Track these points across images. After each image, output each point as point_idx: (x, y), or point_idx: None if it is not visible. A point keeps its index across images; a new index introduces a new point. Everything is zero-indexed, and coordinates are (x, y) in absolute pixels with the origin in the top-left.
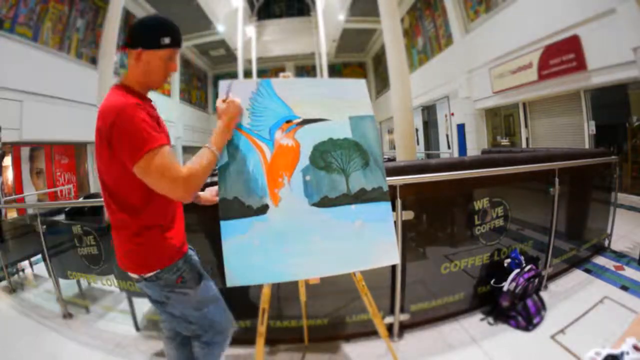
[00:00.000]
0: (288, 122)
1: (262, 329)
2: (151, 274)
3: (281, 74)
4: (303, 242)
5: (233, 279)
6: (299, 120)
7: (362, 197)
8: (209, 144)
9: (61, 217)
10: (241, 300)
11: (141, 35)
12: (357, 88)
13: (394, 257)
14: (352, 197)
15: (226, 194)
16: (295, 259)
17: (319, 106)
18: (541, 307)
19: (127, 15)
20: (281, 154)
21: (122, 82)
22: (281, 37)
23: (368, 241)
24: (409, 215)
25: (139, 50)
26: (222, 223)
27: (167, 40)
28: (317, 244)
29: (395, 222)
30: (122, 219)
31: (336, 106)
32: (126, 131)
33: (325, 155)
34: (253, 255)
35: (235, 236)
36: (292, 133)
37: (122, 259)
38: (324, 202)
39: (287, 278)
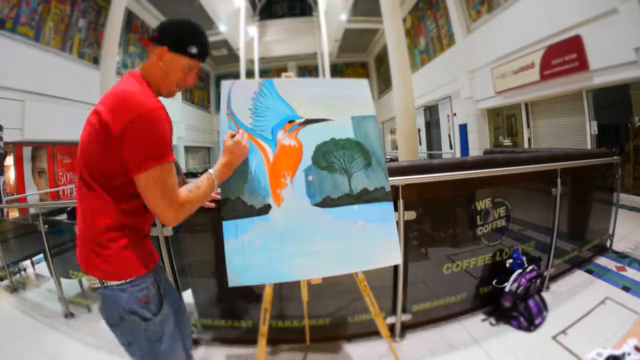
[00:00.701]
0: (290, 122)
1: (264, 329)
2: (118, 282)
3: (283, 74)
4: (305, 242)
5: (235, 279)
6: (301, 121)
7: (364, 197)
8: (213, 171)
9: (63, 217)
10: (243, 300)
11: (171, 35)
12: (359, 88)
13: (396, 257)
14: (354, 198)
15: (228, 194)
16: (297, 259)
17: (321, 106)
18: (543, 307)
19: (129, 15)
20: (283, 154)
21: (143, 75)
22: (283, 37)
23: (370, 241)
24: (411, 215)
25: (164, 48)
26: (224, 223)
27: (193, 50)
28: (319, 244)
29: (397, 222)
30: (101, 211)
31: (338, 106)
32: (146, 137)
33: (327, 156)
34: (255, 255)
35: (238, 236)
36: (295, 133)
37: (87, 258)
38: (326, 202)
39: (289, 278)
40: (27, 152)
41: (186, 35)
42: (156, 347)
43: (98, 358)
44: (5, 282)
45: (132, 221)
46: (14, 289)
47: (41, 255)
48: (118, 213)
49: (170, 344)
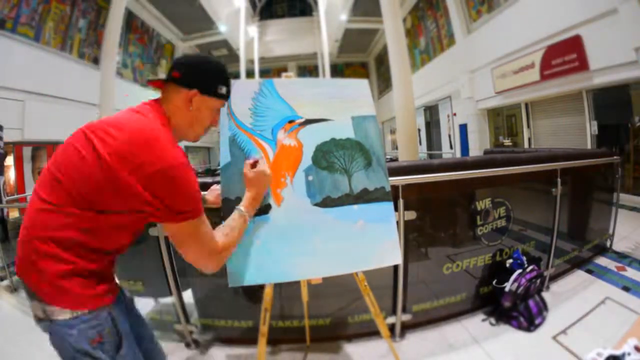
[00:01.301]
0: (290, 122)
1: (264, 329)
2: (67, 315)
3: (283, 74)
4: (305, 242)
5: (235, 279)
6: (301, 121)
7: (364, 197)
8: (243, 208)
9: None
10: (243, 300)
11: (200, 76)
12: (359, 88)
13: (396, 257)
14: (354, 197)
15: (229, 194)
16: (297, 259)
17: (321, 106)
18: (543, 307)
19: (129, 15)
20: (284, 154)
21: (170, 118)
22: (283, 37)
23: (370, 241)
24: (411, 215)
25: (194, 92)
26: None
27: (223, 90)
28: (320, 244)
29: (397, 222)
30: (61, 224)
31: (338, 106)
32: (181, 191)
33: (327, 155)
34: (255, 255)
35: None
36: (295, 133)
37: (35, 277)
38: (327, 202)
39: (290, 278)
40: (27, 152)
41: (216, 75)
42: None
43: None
44: (6, 282)
45: (92, 257)
46: (14, 288)
47: None
48: (80, 234)
49: None
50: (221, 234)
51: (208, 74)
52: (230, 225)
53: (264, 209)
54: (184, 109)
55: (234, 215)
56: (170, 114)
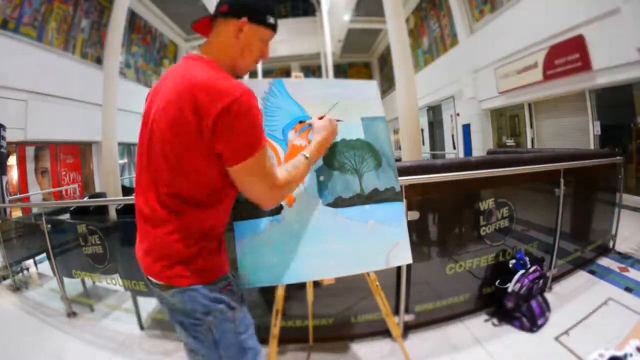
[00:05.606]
0: (301, 122)
1: (275, 330)
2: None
3: (293, 74)
4: (317, 242)
5: (246, 281)
6: (311, 121)
7: (375, 197)
8: (307, 153)
9: (66, 216)
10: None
11: (248, 5)
12: (368, 89)
13: (407, 257)
14: (365, 198)
15: (239, 194)
16: (309, 260)
17: (332, 107)
18: (545, 308)
19: (132, 15)
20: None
21: (213, 58)
22: (286, 37)
23: (382, 241)
24: (414, 215)
25: (244, 20)
26: (235, 223)
27: (272, 20)
28: (332, 244)
29: None
30: (186, 217)
31: (348, 107)
32: (243, 124)
33: (338, 156)
34: (267, 256)
35: (249, 237)
36: (305, 133)
37: (160, 263)
38: (338, 203)
39: (302, 279)
40: (30, 151)
41: (263, 4)
42: (243, 339)
43: (100, 357)
44: (8, 281)
45: (215, 221)
46: (16, 288)
47: (44, 255)
48: (205, 216)
49: (252, 333)
50: (285, 170)
51: (257, 3)
52: (293, 164)
53: (275, 209)
54: (234, 40)
55: (299, 157)
56: (218, 50)
